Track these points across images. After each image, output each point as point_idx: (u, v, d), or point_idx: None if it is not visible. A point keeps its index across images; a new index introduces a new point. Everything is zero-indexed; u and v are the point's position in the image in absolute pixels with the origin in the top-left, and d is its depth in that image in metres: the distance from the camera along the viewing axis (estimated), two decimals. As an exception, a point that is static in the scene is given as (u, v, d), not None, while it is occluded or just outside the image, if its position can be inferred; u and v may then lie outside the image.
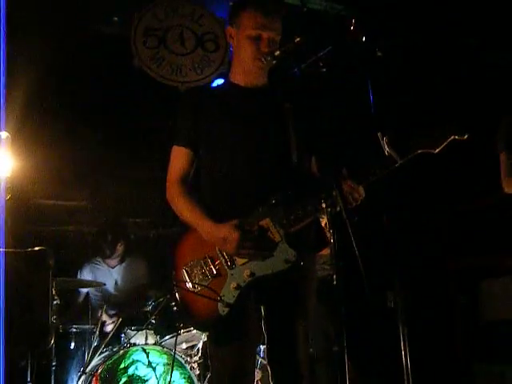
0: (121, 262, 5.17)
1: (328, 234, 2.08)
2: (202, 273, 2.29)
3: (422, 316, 5.06)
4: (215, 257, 2.31)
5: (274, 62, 2.40)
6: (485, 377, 4.98)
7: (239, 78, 2.52)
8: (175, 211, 2.43)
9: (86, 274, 5.09)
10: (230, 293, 2.25)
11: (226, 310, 2.23)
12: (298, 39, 2.33)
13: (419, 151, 2.22)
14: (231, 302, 2.23)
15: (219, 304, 2.23)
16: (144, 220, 5.89)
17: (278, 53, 2.37)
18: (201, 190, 2.49)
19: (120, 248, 5.09)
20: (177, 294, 2.31)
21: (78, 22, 4.84)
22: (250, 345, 2.32)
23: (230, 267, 2.29)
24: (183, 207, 2.39)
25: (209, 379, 3.64)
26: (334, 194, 2.10)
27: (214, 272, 2.29)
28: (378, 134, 2.22)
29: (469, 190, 5.15)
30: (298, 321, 2.34)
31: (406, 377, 3.24)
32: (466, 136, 2.21)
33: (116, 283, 5.10)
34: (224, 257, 2.30)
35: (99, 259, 5.18)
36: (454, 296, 5.55)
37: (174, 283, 2.31)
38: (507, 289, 4.93)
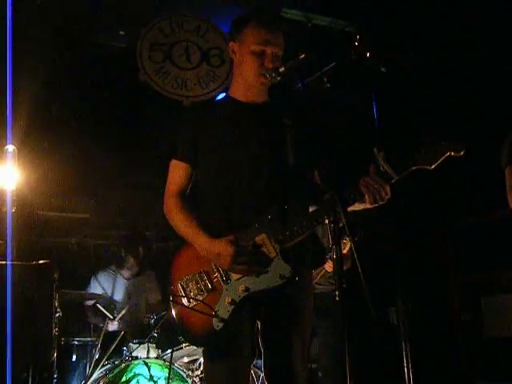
0: (136, 275, 5.18)
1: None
2: (198, 287, 2.29)
3: (425, 332, 5.04)
4: (210, 271, 2.32)
5: (279, 78, 2.41)
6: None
7: (239, 93, 2.53)
8: (172, 225, 2.44)
9: (99, 282, 5.12)
10: (224, 308, 2.25)
11: (221, 324, 2.23)
12: (303, 55, 2.35)
13: (414, 167, 2.21)
14: (226, 317, 2.23)
15: (214, 319, 2.23)
16: (151, 233, 5.89)
17: (282, 69, 2.38)
18: (198, 204, 2.49)
19: (137, 260, 5.12)
20: (173, 309, 2.32)
21: (84, 36, 4.89)
22: (244, 361, 2.31)
23: (225, 282, 2.28)
24: (180, 221, 2.40)
25: None
26: (337, 210, 2.10)
27: (210, 287, 2.29)
28: (374, 150, 2.22)
29: (472, 206, 5.14)
30: (295, 336, 2.33)
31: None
32: (462, 153, 2.20)
33: (130, 297, 5.11)
34: (219, 272, 2.30)
35: (114, 268, 5.21)
36: (457, 312, 5.53)
37: (170, 298, 2.32)
38: (510, 305, 4.91)
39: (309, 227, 2.27)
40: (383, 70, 4.33)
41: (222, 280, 2.29)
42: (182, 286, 2.32)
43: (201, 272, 2.32)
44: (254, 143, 2.40)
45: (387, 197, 2.26)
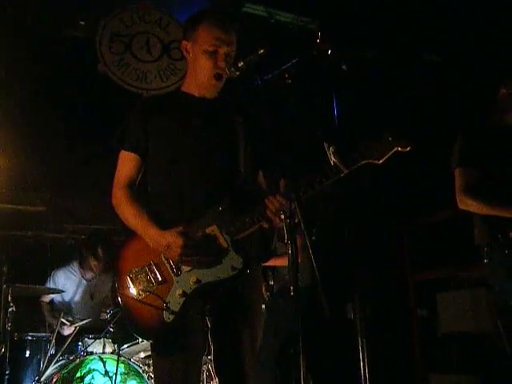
0: (98, 274, 5.12)
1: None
2: (147, 279, 2.26)
3: (381, 328, 5.12)
4: (160, 263, 2.29)
5: (238, 73, 2.41)
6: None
7: (192, 89, 2.52)
8: (121, 217, 2.40)
9: (58, 279, 5.04)
10: (175, 300, 2.23)
11: (172, 317, 2.20)
12: (262, 50, 2.35)
13: (364, 162, 2.27)
14: (176, 309, 2.21)
15: (164, 312, 2.20)
16: (109, 227, 5.81)
17: (241, 64, 2.37)
18: (148, 195, 2.46)
19: (98, 261, 5.05)
20: (120, 301, 2.28)
21: (44, 25, 4.78)
22: (194, 356, 2.30)
23: (176, 274, 2.27)
24: (129, 213, 2.37)
25: None
26: (292, 206, 2.11)
27: (160, 279, 2.27)
28: (324, 144, 2.25)
29: (427, 204, 5.24)
30: (245, 331, 2.32)
31: (363, 387, 3.27)
32: (408, 148, 2.27)
33: (92, 297, 5.04)
34: (170, 263, 2.28)
35: (75, 268, 5.12)
36: (413, 308, 5.63)
37: (117, 291, 2.28)
38: (463, 301, 5.02)
39: (260, 220, 2.27)
40: (344, 67, 4.37)
41: (173, 272, 2.27)
42: (130, 278, 2.28)
43: (150, 264, 2.29)
44: (203, 136, 2.40)
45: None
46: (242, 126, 2.46)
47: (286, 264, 4.24)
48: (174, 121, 2.44)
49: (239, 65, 2.37)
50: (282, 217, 2.14)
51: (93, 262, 5.04)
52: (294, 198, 2.08)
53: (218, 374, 2.39)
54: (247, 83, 2.48)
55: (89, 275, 5.11)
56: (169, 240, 2.22)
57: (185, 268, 2.26)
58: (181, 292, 2.22)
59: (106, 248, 5.08)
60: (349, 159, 2.26)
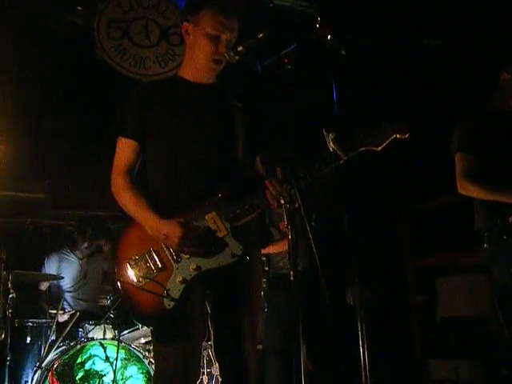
0: (90, 255, 5.16)
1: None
2: (147, 266, 2.26)
3: (381, 313, 5.14)
4: (160, 250, 2.29)
5: (237, 57, 2.39)
6: (440, 371, 5.09)
7: (189, 74, 2.50)
8: (120, 204, 2.39)
9: (53, 263, 5.07)
10: (175, 287, 2.23)
11: (172, 303, 2.21)
12: (261, 35, 2.33)
13: (363, 148, 2.28)
14: (177, 296, 2.21)
15: (165, 298, 2.20)
16: (107, 213, 5.82)
17: (240, 48, 2.35)
18: (147, 182, 2.45)
19: (98, 243, 5.11)
20: (120, 288, 2.27)
21: (40, 11, 4.74)
22: (194, 342, 2.30)
23: (176, 261, 2.26)
24: (128, 200, 2.36)
25: (153, 377, 3.55)
26: (292, 191, 2.10)
27: (159, 265, 2.26)
28: (323, 131, 2.25)
29: (427, 189, 5.24)
30: (245, 317, 2.32)
31: (363, 371, 3.28)
32: (407, 135, 2.29)
33: (85, 276, 5.08)
34: (169, 250, 2.28)
35: (67, 250, 5.17)
36: (412, 293, 5.65)
37: (116, 278, 2.27)
38: (462, 287, 5.04)
39: (259, 206, 2.27)
40: (343, 52, 4.34)
41: (173, 259, 2.27)
42: (130, 264, 2.27)
43: (150, 251, 2.28)
44: (201, 123, 2.39)
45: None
46: (241, 112, 2.44)
47: (280, 251, 4.26)
48: (171, 107, 2.42)
49: (238, 49, 2.35)
50: (282, 202, 2.14)
51: (82, 245, 5.10)
52: (293, 183, 2.08)
53: (218, 359, 2.41)
54: (246, 68, 2.47)
55: (80, 254, 5.17)
56: (167, 230, 2.22)
57: (184, 255, 2.26)
58: (181, 279, 2.22)
59: (96, 233, 5.11)
60: (348, 146, 2.26)
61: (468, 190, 3.20)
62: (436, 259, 5.50)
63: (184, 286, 2.23)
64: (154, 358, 2.39)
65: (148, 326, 2.53)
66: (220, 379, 2.40)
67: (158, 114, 2.41)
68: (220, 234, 2.25)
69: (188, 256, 2.26)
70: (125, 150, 2.44)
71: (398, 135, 2.28)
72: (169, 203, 2.32)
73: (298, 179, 2.16)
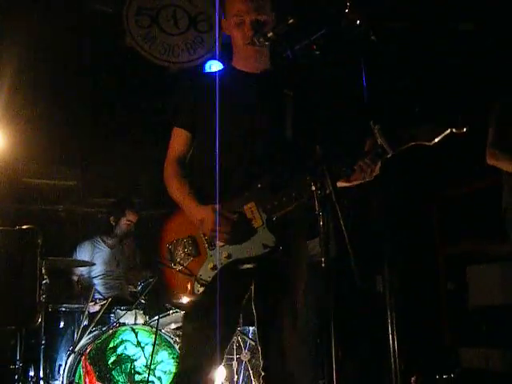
0: (119, 242, 5.21)
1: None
2: (184, 252, 2.34)
3: (411, 301, 5.11)
4: (198, 237, 2.36)
5: (267, 43, 2.38)
6: (470, 360, 5.05)
7: (240, 63, 2.53)
8: (168, 191, 2.47)
9: (85, 251, 5.14)
10: (206, 272, 2.29)
11: (201, 289, 2.28)
12: (292, 20, 2.30)
13: (413, 143, 2.16)
14: (207, 281, 2.27)
15: (195, 283, 2.28)
16: (139, 200, 5.88)
17: (270, 34, 2.33)
18: (193, 171, 2.51)
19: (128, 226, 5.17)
20: (158, 269, 2.41)
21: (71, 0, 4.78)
22: (217, 327, 2.32)
23: (210, 248, 2.32)
24: (174, 187, 2.43)
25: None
26: (324, 176, 2.09)
27: (195, 251, 2.34)
28: (370, 123, 2.18)
29: (458, 176, 5.16)
30: (285, 307, 2.36)
31: (393, 360, 3.27)
32: (464, 129, 2.12)
33: (118, 264, 5.15)
34: (205, 237, 2.34)
35: (99, 239, 5.23)
36: (442, 281, 5.59)
37: (158, 260, 2.38)
38: (494, 275, 4.97)
39: (297, 198, 2.27)
40: (373, 38, 4.28)
41: (208, 245, 2.33)
42: (169, 248, 2.37)
43: (189, 237, 2.36)
44: (250, 113, 2.41)
45: (375, 174, 2.25)
46: (292, 100, 2.43)
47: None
48: (222, 97, 2.43)
49: (268, 35, 2.34)
50: (313, 188, 2.13)
51: (125, 221, 5.17)
52: (325, 169, 2.07)
53: (260, 344, 2.45)
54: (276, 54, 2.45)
55: (111, 242, 5.20)
56: (203, 215, 2.28)
57: (219, 243, 2.30)
58: (212, 266, 2.29)
59: (136, 213, 5.20)
60: (396, 140, 2.18)
61: (497, 157, 3.17)
62: (467, 247, 5.43)
63: (214, 272, 2.27)
64: (181, 337, 2.49)
65: (177, 308, 2.61)
66: (249, 365, 2.45)
67: (208, 104, 2.43)
68: (255, 225, 2.28)
69: (222, 244, 2.29)
70: (177, 139, 2.52)
71: (454, 130, 2.13)
72: (211, 191, 2.35)
73: (330, 164, 2.14)
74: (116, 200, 5.46)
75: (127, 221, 5.19)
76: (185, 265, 2.31)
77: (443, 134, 2.16)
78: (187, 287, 2.30)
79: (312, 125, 2.42)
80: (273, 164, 2.36)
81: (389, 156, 2.20)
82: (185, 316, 2.45)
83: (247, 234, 2.27)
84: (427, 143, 2.16)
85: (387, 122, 2.21)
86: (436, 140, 2.16)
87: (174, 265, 2.33)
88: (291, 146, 2.41)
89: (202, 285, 2.27)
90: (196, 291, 2.28)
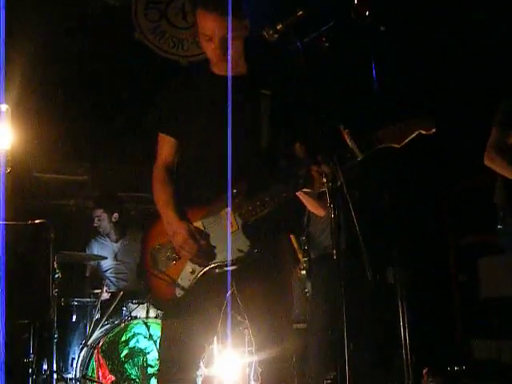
0: (121, 236, 5.21)
1: None
2: (167, 256, 2.38)
3: (422, 292, 5.09)
4: None
5: (276, 35, 2.36)
6: (482, 352, 5.04)
7: (216, 68, 2.48)
8: (153, 196, 2.49)
9: (94, 250, 5.15)
10: (186, 277, 2.33)
11: (182, 292, 2.33)
12: (301, 12, 2.29)
13: (380, 146, 2.16)
14: (186, 286, 2.32)
15: (176, 287, 2.33)
16: (144, 195, 5.88)
17: (280, 26, 2.31)
18: (178, 178, 2.53)
19: (113, 220, 5.13)
20: (143, 275, 2.46)
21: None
22: (191, 324, 2.36)
23: None
24: (156, 193, 2.46)
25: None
26: (334, 168, 2.09)
27: (176, 256, 2.37)
28: (340, 127, 2.16)
29: (469, 167, 5.13)
30: (274, 301, 2.39)
31: (404, 352, 3.26)
32: (433, 130, 2.13)
33: (116, 257, 5.15)
34: None
35: (102, 235, 5.23)
36: (454, 273, 5.58)
37: (142, 267, 2.44)
38: (505, 266, 4.95)
39: (271, 204, 2.29)
40: (382, 29, 4.25)
41: None
42: (152, 253, 2.41)
43: (170, 242, 2.38)
44: (227, 116, 2.36)
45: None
46: (270, 100, 2.41)
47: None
48: (199, 102, 2.45)
49: (278, 27, 2.32)
50: (324, 180, 2.13)
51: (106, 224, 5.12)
52: (336, 161, 2.06)
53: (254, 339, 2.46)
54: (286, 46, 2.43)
55: (113, 237, 5.21)
56: (176, 229, 2.32)
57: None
58: (191, 270, 2.34)
59: (119, 211, 5.17)
60: (364, 144, 2.18)
61: (494, 160, 3.16)
62: (478, 238, 5.40)
63: (193, 276, 2.33)
64: (161, 335, 2.53)
65: (160, 310, 2.62)
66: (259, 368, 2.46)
67: (188, 110, 2.45)
68: (231, 230, 2.31)
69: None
70: (163, 145, 2.52)
71: (422, 131, 2.14)
72: (192, 197, 2.40)
73: (340, 157, 2.14)
74: (101, 196, 5.41)
75: (95, 217, 5.16)
76: (166, 269, 2.36)
77: (411, 136, 2.15)
78: (169, 291, 2.35)
79: (290, 125, 2.44)
80: (247, 169, 2.35)
81: (359, 159, 2.18)
82: (167, 318, 2.48)
83: (212, 256, 2.31)
84: (396, 145, 2.16)
85: (356, 125, 2.19)
86: (404, 142, 2.16)
87: (158, 270, 2.38)
88: (267, 151, 2.41)
89: (182, 289, 2.33)
90: (178, 294, 2.33)
